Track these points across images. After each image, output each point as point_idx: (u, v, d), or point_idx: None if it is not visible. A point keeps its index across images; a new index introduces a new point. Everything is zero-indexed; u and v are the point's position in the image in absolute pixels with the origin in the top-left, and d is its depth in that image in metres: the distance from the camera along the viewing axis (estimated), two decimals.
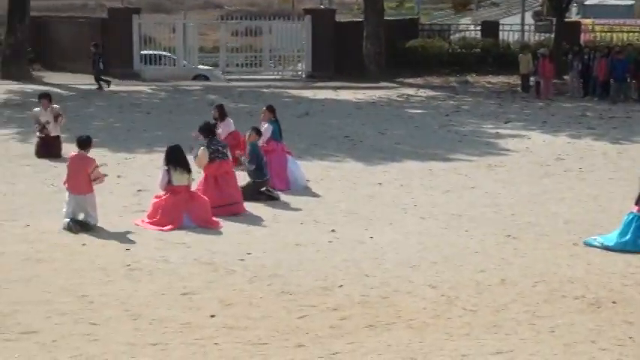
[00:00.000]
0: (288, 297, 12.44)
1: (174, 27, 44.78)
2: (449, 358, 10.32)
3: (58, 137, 22.43)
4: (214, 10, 65.02)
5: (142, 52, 42.83)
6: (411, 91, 38.40)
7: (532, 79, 37.46)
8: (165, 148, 16.83)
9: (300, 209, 17.56)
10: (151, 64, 42.55)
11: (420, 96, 37.04)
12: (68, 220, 15.65)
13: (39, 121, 22.36)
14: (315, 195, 18.78)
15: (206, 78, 42.21)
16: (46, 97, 22.76)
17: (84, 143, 16.18)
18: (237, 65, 43.91)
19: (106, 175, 16.64)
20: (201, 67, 44.12)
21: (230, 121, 21.29)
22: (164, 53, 43.37)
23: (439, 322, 11.52)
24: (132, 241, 15.06)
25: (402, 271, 13.64)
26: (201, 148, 17.35)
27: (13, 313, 11.63)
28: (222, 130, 20.49)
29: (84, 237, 15.24)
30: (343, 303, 12.20)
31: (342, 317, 11.67)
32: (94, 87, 37.09)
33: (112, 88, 37.55)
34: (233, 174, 17.53)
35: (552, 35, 44.37)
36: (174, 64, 43.02)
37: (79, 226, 15.57)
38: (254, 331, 11.13)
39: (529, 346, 10.66)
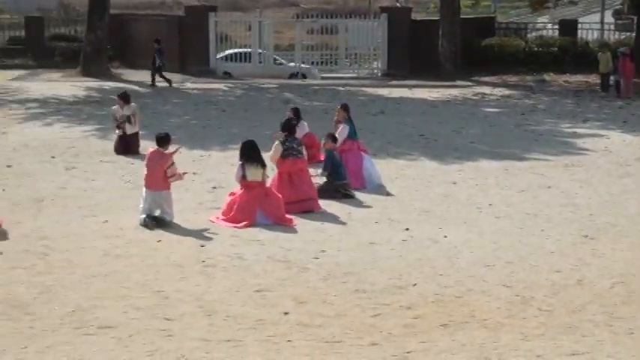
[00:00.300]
0: (362, 295, 12.43)
1: (250, 25, 45.00)
2: (523, 359, 10.24)
3: (136, 134, 22.68)
4: (290, 9, 65.21)
5: (234, 51, 43.08)
6: (486, 89, 38.16)
7: (612, 78, 36.92)
8: (239, 146, 16.95)
9: (374, 207, 17.53)
10: (242, 61, 42.72)
11: (495, 95, 36.79)
12: (144, 216, 15.82)
13: (117, 118, 22.64)
14: (389, 193, 18.72)
15: (303, 76, 42.23)
16: (123, 97, 23.02)
17: (163, 140, 16.35)
18: (313, 63, 43.93)
19: (185, 173, 16.79)
20: (298, 65, 43.92)
21: (304, 123, 21.30)
22: (259, 50, 43.40)
23: (514, 322, 11.43)
24: (207, 238, 15.17)
25: (477, 270, 13.56)
26: (276, 142, 17.43)
27: (91, 307, 11.79)
28: (297, 133, 20.48)
29: (160, 233, 15.39)
30: (417, 302, 12.17)
31: (415, 316, 11.64)
32: (154, 83, 37.50)
33: (189, 85, 37.87)
34: (307, 172, 17.57)
35: (633, 34, 43.74)
36: (262, 62, 43.08)
37: (155, 222, 15.73)
38: (328, 329, 11.14)
39: (606, 348, 10.53)
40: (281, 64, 43.88)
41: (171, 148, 16.49)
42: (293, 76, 42.27)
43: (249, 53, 43.07)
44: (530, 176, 20.58)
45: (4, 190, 18.26)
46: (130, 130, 22.49)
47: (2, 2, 64.78)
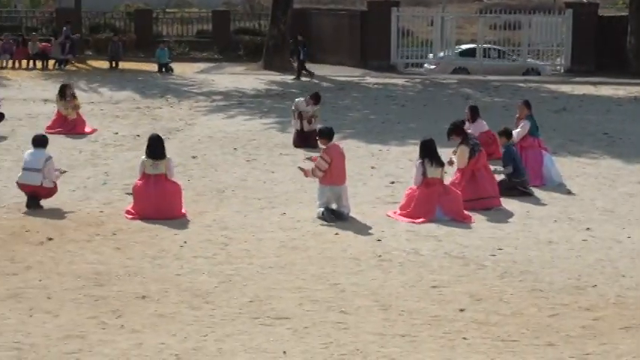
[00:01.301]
0: (539, 294, 12.25)
1: (432, 20, 44.85)
2: None
3: (314, 130, 22.87)
4: (473, 4, 64.58)
5: (465, 46, 42.99)
6: None
7: None
8: (418, 141, 16.92)
9: (553, 206, 17.24)
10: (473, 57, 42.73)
11: None
12: (322, 209, 15.96)
13: (299, 112, 22.88)
14: (569, 192, 18.37)
15: (537, 73, 41.83)
16: (314, 97, 23.16)
17: (327, 134, 16.37)
18: (495, 59, 43.44)
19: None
20: (531, 61, 43.70)
21: (482, 122, 21.04)
22: (495, 47, 43.15)
23: None
24: (383, 232, 15.19)
25: None
26: (462, 146, 17.17)
27: (268, 298, 11.97)
28: (473, 131, 20.30)
29: (337, 226, 15.51)
30: (597, 303, 11.90)
31: (595, 317, 11.38)
32: (300, 77, 37.92)
33: (369, 80, 38.03)
34: (489, 168, 17.40)
35: None
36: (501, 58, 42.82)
37: (333, 215, 15.85)
38: (504, 328, 11.01)
39: None
40: (515, 60, 43.23)
41: (346, 144, 16.52)
42: (527, 72, 41.75)
43: (485, 48, 42.80)
44: None
45: (189, 180, 18.74)
46: (307, 127, 22.72)
47: None
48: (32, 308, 11.47)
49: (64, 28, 42.49)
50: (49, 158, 16.51)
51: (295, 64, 39.64)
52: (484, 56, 42.55)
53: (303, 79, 38.15)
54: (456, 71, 41.62)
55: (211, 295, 12.05)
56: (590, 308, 11.72)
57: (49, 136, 18.11)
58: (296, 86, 35.71)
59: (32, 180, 16.26)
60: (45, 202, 16.43)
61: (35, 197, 16.30)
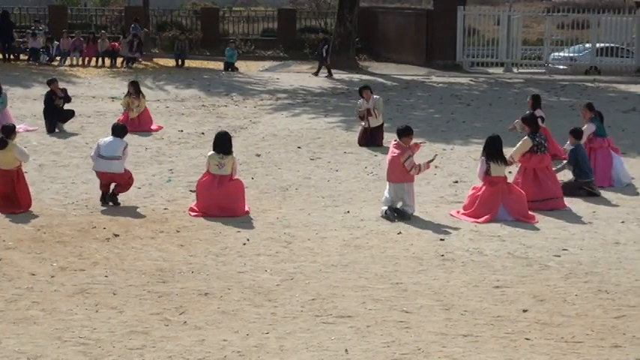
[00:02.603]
0: (604, 295, 12.13)
1: (498, 18, 44.59)
2: None
3: (380, 127, 22.91)
4: (540, 3, 64.17)
5: (600, 45, 42.54)
6: None
7: None
8: (482, 140, 16.86)
9: (621, 206, 17.05)
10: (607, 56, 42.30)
11: None
12: (386, 208, 15.96)
13: (360, 111, 22.93)
14: (638, 193, 18.17)
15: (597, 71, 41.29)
16: (361, 90, 23.26)
17: (403, 133, 16.40)
18: (562, 59, 43.08)
19: (431, 161, 16.63)
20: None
21: (542, 113, 20.94)
22: (612, 45, 42.68)
23: None
24: (446, 232, 15.16)
25: None
26: (525, 137, 17.15)
27: (330, 296, 11.99)
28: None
29: (400, 225, 15.48)
30: None
31: None
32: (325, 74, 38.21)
33: (434, 79, 37.93)
34: (552, 169, 17.27)
35: None
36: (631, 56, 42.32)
37: (397, 214, 15.83)
38: (568, 329, 10.92)
39: None
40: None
41: (412, 142, 16.51)
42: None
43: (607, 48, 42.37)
44: None
45: (252, 178, 18.83)
46: (373, 123, 22.72)
47: None
48: (98, 304, 11.61)
49: (132, 26, 42.95)
50: (127, 145, 16.91)
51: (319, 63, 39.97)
52: (603, 55, 41.97)
53: (321, 75, 38.47)
54: (588, 72, 41.02)
55: (273, 293, 12.10)
56: None
57: None
58: (362, 85, 35.68)
59: (113, 168, 16.54)
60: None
61: (108, 189, 16.59)
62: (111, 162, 16.54)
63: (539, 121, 18.86)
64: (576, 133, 18.09)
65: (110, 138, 16.88)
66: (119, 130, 17.03)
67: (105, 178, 16.61)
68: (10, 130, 16.55)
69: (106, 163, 16.55)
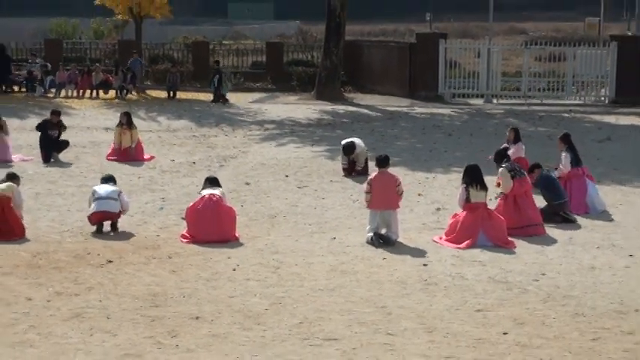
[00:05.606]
0: (581, 319, 12.19)
1: (479, 51, 44.73)
2: None
3: (365, 166, 22.78)
4: (519, 36, 64.48)
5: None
6: None
7: None
8: (462, 169, 16.98)
9: (596, 233, 17.13)
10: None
11: None
12: (371, 234, 16.01)
13: (345, 170, 22.80)
14: (612, 219, 18.26)
15: None
16: (349, 150, 22.93)
17: (384, 162, 16.47)
18: (539, 90, 43.24)
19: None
20: None
21: (522, 146, 21.28)
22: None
23: None
24: (429, 257, 15.20)
25: None
26: (501, 169, 17.33)
27: (317, 320, 12.03)
28: (513, 154, 20.35)
29: (384, 251, 15.54)
30: (637, 327, 11.82)
31: (637, 342, 11.32)
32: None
33: (417, 109, 37.99)
34: (531, 195, 17.36)
35: None
36: None
37: (381, 240, 15.88)
38: (546, 350, 10.98)
39: None
40: None
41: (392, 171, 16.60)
42: None
43: None
44: None
45: (242, 206, 18.84)
46: (358, 166, 22.66)
47: (249, 30, 66.98)
48: (92, 328, 11.63)
49: (132, 60, 43.06)
50: (121, 192, 16.99)
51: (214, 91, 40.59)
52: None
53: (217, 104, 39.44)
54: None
55: (262, 317, 12.14)
56: (633, 332, 11.65)
57: (108, 163, 18.34)
58: (347, 116, 35.81)
59: (110, 207, 16.56)
60: (105, 226, 16.68)
61: (102, 225, 16.64)
62: (109, 202, 16.57)
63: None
64: (537, 166, 18.27)
65: (102, 184, 17.00)
66: (107, 179, 17.24)
67: (101, 218, 16.61)
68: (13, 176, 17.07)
69: (105, 203, 16.55)
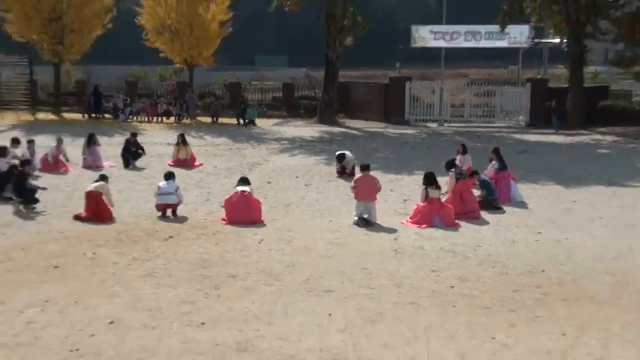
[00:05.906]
0: (505, 277, 12.25)
1: (433, 89, 44.71)
2: (619, 325, 9.80)
3: (352, 169, 22.70)
4: (463, 79, 64.28)
5: None
6: (600, 136, 36.47)
7: None
8: (423, 173, 17.01)
9: (516, 217, 17.15)
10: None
11: (607, 140, 35.06)
12: (357, 218, 16.04)
13: (338, 172, 22.72)
14: (527, 207, 18.29)
15: None
16: (342, 157, 22.70)
17: (366, 168, 16.54)
18: (477, 116, 43.18)
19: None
20: None
21: (469, 157, 21.25)
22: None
23: (613, 299, 11.00)
24: (399, 234, 15.23)
25: (588, 262, 13.12)
26: (451, 174, 17.37)
27: (319, 278, 12.06)
28: (463, 162, 20.38)
29: (366, 230, 15.58)
30: (544, 283, 11.89)
31: (543, 293, 11.40)
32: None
33: (390, 130, 37.93)
34: (472, 191, 17.39)
35: None
36: None
37: (364, 222, 15.91)
38: (481, 299, 11.04)
39: None
40: None
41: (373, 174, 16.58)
42: None
43: None
44: (632, 198, 19.64)
45: (265, 198, 18.84)
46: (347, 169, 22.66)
47: (271, 74, 66.72)
48: (159, 283, 11.68)
49: (188, 95, 43.10)
50: (178, 187, 16.88)
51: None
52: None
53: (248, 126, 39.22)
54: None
55: (280, 275, 12.18)
56: (540, 286, 11.72)
57: (169, 168, 18.28)
58: (340, 135, 35.75)
59: (170, 200, 16.54)
60: (167, 212, 16.67)
61: (165, 211, 16.59)
62: (169, 196, 16.54)
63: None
64: (476, 173, 18.27)
65: (165, 180, 16.92)
66: (169, 175, 17.08)
67: (163, 208, 16.61)
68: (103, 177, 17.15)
69: (166, 197, 16.56)
